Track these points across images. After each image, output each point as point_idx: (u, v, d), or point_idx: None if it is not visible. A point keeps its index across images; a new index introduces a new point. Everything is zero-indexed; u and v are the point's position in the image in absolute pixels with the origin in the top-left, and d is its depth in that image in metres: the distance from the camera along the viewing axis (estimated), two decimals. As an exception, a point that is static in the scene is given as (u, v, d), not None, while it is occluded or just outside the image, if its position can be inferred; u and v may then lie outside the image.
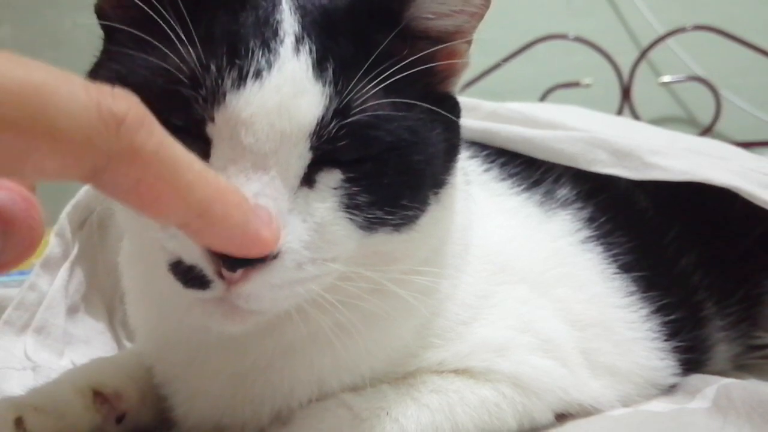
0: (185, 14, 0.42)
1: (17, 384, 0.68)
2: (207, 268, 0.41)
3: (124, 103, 0.28)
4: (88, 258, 0.85)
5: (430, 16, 0.49)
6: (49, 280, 0.82)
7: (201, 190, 0.31)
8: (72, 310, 0.82)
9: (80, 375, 0.62)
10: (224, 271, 0.41)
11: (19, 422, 0.54)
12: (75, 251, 0.84)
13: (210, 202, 0.31)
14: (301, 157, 0.43)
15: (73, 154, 0.27)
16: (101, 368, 0.65)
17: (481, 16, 0.50)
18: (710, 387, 0.65)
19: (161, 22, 0.42)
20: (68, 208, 0.84)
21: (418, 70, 0.47)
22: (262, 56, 0.43)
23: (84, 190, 0.84)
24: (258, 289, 0.42)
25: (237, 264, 0.40)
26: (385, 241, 0.48)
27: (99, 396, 0.60)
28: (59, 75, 0.27)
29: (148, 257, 0.54)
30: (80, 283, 0.84)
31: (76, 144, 0.27)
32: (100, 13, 0.49)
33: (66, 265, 0.83)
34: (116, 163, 0.28)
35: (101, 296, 0.86)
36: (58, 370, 0.71)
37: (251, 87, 0.42)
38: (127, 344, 0.85)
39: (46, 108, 0.26)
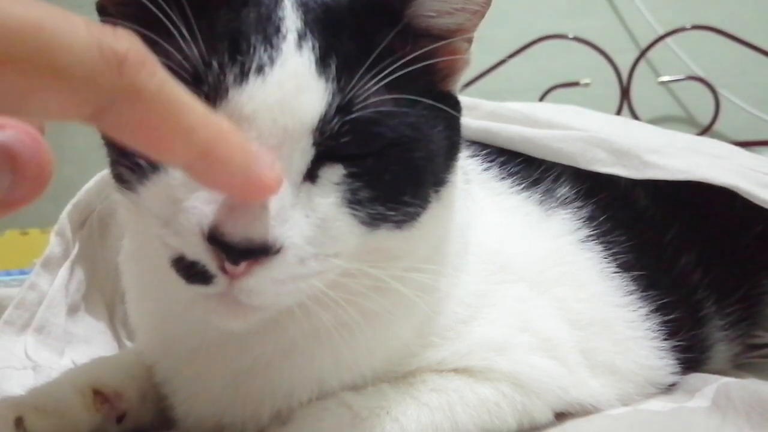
0: (187, 11, 0.42)
1: (17, 383, 0.68)
2: (210, 263, 0.41)
3: (126, 41, 0.28)
4: (88, 257, 0.85)
5: (432, 13, 0.49)
6: (50, 279, 0.82)
7: (204, 130, 0.31)
8: (72, 310, 0.82)
9: (80, 374, 0.62)
10: (227, 265, 0.41)
11: (19, 422, 0.54)
12: (75, 251, 0.84)
13: (213, 143, 0.31)
14: (303, 152, 0.43)
15: (75, 92, 0.27)
16: (101, 368, 0.65)
17: (483, 14, 0.50)
18: (709, 386, 0.65)
19: (164, 19, 0.42)
20: (69, 207, 0.84)
21: (419, 68, 0.47)
22: (264, 52, 0.43)
23: (85, 190, 0.85)
24: (260, 284, 0.42)
25: (240, 257, 0.40)
26: (386, 237, 0.48)
27: (99, 395, 0.60)
28: (59, 12, 0.26)
29: (148, 256, 0.54)
30: (81, 282, 0.84)
31: (78, 81, 0.27)
32: (102, 10, 0.49)
33: (66, 265, 0.83)
34: (119, 102, 0.28)
35: (102, 295, 0.86)
36: (59, 369, 0.71)
37: (254, 82, 0.42)
38: (128, 343, 0.85)
39: (47, 45, 0.25)
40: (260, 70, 0.43)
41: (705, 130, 1.73)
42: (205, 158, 0.32)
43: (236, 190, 0.35)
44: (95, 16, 0.50)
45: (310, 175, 0.44)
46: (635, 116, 1.73)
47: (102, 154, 0.49)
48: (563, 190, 0.71)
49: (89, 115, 0.28)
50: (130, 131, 0.30)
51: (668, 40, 1.73)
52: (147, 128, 0.29)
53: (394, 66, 0.45)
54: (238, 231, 0.40)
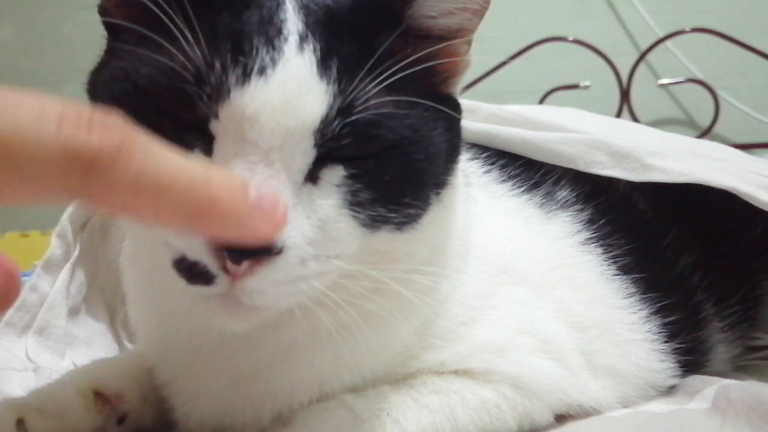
0: (190, 13, 0.43)
1: (18, 385, 0.68)
2: (211, 263, 0.41)
3: (98, 136, 0.27)
4: (89, 259, 0.85)
5: (433, 14, 0.49)
6: (51, 281, 0.82)
7: (190, 196, 0.31)
8: (73, 312, 0.83)
9: (81, 376, 0.63)
10: (229, 265, 0.41)
11: (20, 423, 0.54)
12: (76, 252, 0.84)
13: (201, 207, 0.31)
14: (304, 154, 0.44)
15: (48, 188, 0.27)
16: (102, 369, 0.65)
17: (483, 14, 0.50)
18: (709, 388, 0.65)
19: (166, 20, 0.42)
20: (70, 209, 0.84)
21: (420, 70, 0.47)
22: (266, 53, 0.43)
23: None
24: (262, 285, 0.42)
25: (242, 257, 0.41)
26: (387, 239, 0.48)
27: (100, 397, 0.60)
28: (31, 111, 0.26)
29: (149, 257, 0.55)
30: (81, 284, 0.84)
31: (49, 183, 0.27)
32: (104, 12, 0.49)
33: (67, 267, 0.83)
34: (93, 194, 0.28)
35: (102, 297, 0.87)
36: (60, 371, 0.72)
37: (256, 83, 0.43)
38: (128, 345, 0.85)
39: (15, 152, 0.26)
40: (262, 71, 0.43)
41: (705, 133, 1.73)
42: (201, 218, 0.31)
43: (238, 237, 0.34)
44: (97, 17, 0.50)
45: (311, 177, 0.44)
46: (635, 119, 1.73)
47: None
48: (563, 193, 0.71)
49: (66, 200, 0.28)
50: (113, 209, 0.30)
51: (668, 42, 1.74)
52: (130, 206, 0.29)
53: (395, 68, 0.45)
54: None
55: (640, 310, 0.68)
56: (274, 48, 0.44)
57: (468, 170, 0.67)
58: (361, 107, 0.44)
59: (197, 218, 0.31)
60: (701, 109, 1.75)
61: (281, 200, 0.37)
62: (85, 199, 0.28)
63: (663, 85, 1.78)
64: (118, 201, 0.29)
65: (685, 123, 1.81)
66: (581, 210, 0.70)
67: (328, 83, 0.44)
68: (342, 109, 0.44)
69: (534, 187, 0.70)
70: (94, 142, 0.27)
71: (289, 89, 0.43)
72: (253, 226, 0.33)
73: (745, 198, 0.69)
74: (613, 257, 0.69)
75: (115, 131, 0.28)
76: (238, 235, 0.33)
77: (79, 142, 0.27)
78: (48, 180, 0.27)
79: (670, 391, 0.69)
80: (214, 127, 0.43)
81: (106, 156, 0.27)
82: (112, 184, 0.28)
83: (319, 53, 0.44)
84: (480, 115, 0.81)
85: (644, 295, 0.69)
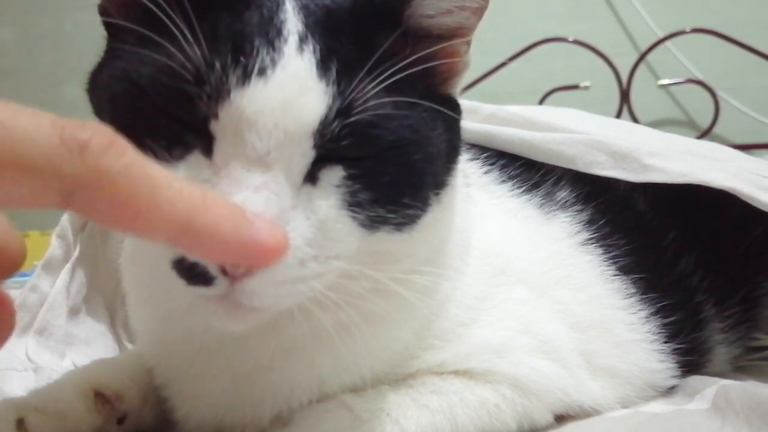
0: (190, 13, 0.43)
1: (19, 385, 0.68)
2: (210, 264, 0.41)
3: (90, 130, 0.29)
4: (89, 259, 0.85)
5: (431, 12, 0.49)
6: (51, 281, 0.82)
7: (182, 204, 0.30)
8: (73, 312, 0.83)
9: (81, 376, 0.63)
10: (227, 267, 0.41)
11: (20, 423, 0.54)
12: (76, 253, 0.84)
13: (194, 215, 0.31)
14: (304, 154, 0.44)
15: (39, 180, 0.28)
16: (102, 369, 0.65)
17: (482, 13, 0.50)
18: (709, 388, 0.65)
19: (167, 21, 0.42)
20: (69, 209, 0.84)
21: (419, 70, 0.47)
22: (266, 54, 0.43)
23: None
24: (261, 286, 0.42)
25: None
26: (386, 240, 0.48)
27: (100, 397, 0.60)
28: (25, 111, 0.28)
29: (149, 258, 0.55)
30: (81, 284, 0.84)
31: (41, 170, 0.27)
32: (104, 12, 0.49)
33: (67, 267, 0.83)
34: (85, 186, 0.28)
35: (102, 297, 0.87)
36: (60, 371, 0.72)
37: (255, 84, 0.43)
38: (128, 345, 0.85)
39: (9, 138, 0.27)
40: (262, 72, 0.43)
41: (704, 133, 1.73)
42: (189, 231, 0.31)
43: (233, 257, 0.33)
44: (97, 17, 0.50)
45: (311, 177, 0.44)
46: (635, 119, 1.74)
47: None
48: (563, 194, 0.71)
49: (59, 200, 0.28)
50: (103, 212, 0.30)
51: (668, 43, 1.74)
52: (119, 208, 0.29)
53: (394, 69, 0.45)
54: None
55: (639, 310, 0.68)
56: (274, 49, 0.44)
57: (468, 171, 0.68)
58: (361, 108, 0.44)
59: (191, 222, 0.31)
60: (701, 109, 1.76)
61: (275, 217, 0.38)
62: (81, 193, 0.28)
63: (663, 86, 1.78)
64: (111, 191, 0.29)
65: (685, 123, 1.81)
66: (581, 210, 0.70)
67: (327, 84, 0.44)
68: (341, 110, 0.44)
69: (534, 187, 0.70)
70: (86, 132, 0.28)
71: (289, 90, 0.43)
72: (255, 234, 0.32)
73: (744, 198, 0.69)
74: (613, 257, 0.69)
75: (105, 130, 0.29)
76: (239, 245, 0.32)
77: (72, 130, 0.28)
78: (45, 164, 0.27)
79: (669, 391, 0.70)
80: (214, 127, 0.43)
81: (96, 142, 0.28)
82: (103, 169, 0.28)
83: (318, 54, 0.44)
84: (480, 115, 0.81)
85: (644, 296, 0.69)
